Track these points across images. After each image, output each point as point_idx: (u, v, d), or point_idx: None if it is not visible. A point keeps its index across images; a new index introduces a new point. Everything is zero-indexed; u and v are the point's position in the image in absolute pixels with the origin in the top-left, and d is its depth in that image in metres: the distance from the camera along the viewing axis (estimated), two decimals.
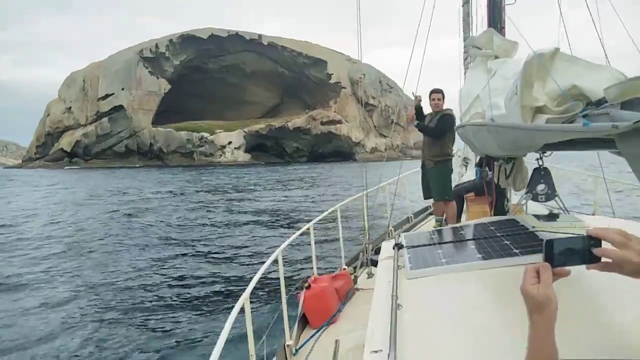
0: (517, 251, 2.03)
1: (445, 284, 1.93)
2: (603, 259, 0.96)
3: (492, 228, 2.53)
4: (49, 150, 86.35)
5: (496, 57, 3.50)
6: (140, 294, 8.70)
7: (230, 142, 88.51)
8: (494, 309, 1.67)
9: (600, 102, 1.71)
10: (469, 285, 1.90)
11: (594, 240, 0.97)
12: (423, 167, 5.97)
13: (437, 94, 5.73)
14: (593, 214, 5.65)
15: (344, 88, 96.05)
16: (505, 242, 2.21)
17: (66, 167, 79.08)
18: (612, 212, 4.50)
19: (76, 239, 14.62)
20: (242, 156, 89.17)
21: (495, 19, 4.09)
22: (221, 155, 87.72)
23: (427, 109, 5.93)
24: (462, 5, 4.78)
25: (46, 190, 34.44)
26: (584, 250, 0.97)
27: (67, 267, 10.96)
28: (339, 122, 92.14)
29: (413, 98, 5.76)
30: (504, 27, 4.08)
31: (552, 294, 0.93)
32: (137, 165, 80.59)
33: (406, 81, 5.16)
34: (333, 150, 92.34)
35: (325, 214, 5.31)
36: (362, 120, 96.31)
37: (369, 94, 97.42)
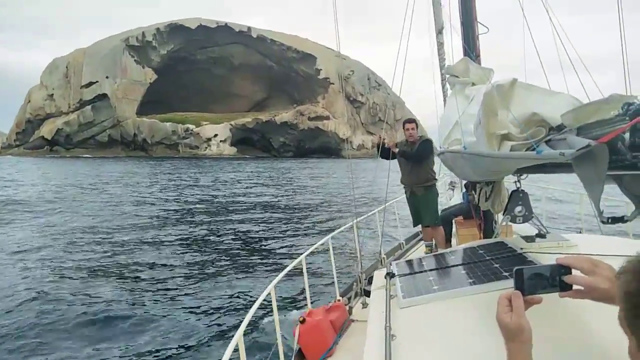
0: (506, 274, 2.04)
1: (438, 312, 1.93)
2: (574, 287, 1.00)
3: (481, 252, 2.56)
4: (30, 137, 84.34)
5: (473, 84, 3.59)
6: (125, 335, 7.90)
7: (216, 135, 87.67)
8: (487, 334, 1.60)
9: (560, 128, 1.77)
10: (461, 311, 1.90)
11: (564, 269, 1.01)
12: (411, 194, 5.84)
13: (410, 123, 5.70)
14: (580, 232, 5.64)
15: (333, 84, 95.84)
16: (495, 265, 2.23)
17: (47, 156, 77.29)
18: (600, 229, 4.51)
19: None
20: (228, 149, 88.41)
21: (470, 48, 4.18)
22: (207, 147, 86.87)
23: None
24: (437, 36, 4.81)
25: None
26: (554, 278, 1.01)
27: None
28: (327, 118, 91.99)
29: (379, 142, 5.65)
30: (479, 55, 4.16)
31: (524, 322, 0.96)
32: (121, 156, 79.27)
33: (394, 83, 4.92)
34: (320, 146, 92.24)
35: (316, 245, 5.28)
36: (349, 117, 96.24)
37: (357, 91, 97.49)
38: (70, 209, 19.14)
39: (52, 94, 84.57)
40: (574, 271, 1.00)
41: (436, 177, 5.88)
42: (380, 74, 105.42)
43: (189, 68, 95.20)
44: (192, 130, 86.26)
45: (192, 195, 26.35)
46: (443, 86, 4.76)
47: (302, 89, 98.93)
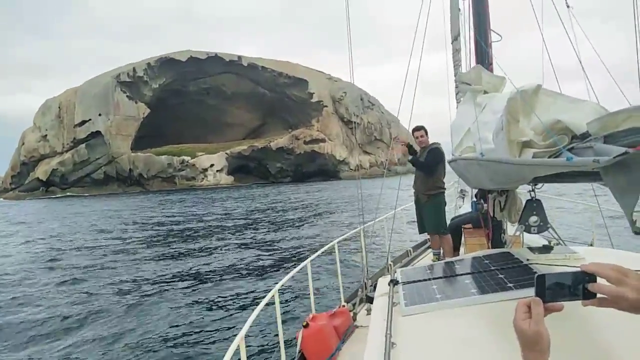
0: (511, 285, 2.02)
1: (439, 321, 1.91)
2: (599, 295, 0.95)
3: (487, 262, 2.52)
4: (25, 180, 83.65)
5: (485, 92, 3.54)
6: (131, 335, 8.38)
7: (212, 165, 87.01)
8: (488, 345, 1.64)
9: (584, 136, 1.75)
10: (463, 321, 1.87)
11: (588, 276, 0.96)
12: (417, 201, 5.97)
13: (419, 131, 5.77)
14: (591, 245, 5.57)
15: (326, 107, 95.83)
16: (500, 276, 2.19)
17: (41, 197, 76.42)
18: (610, 242, 4.47)
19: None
20: (225, 179, 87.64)
21: (483, 56, 4.16)
22: (203, 178, 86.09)
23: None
24: (452, 42, 4.74)
25: None
26: (576, 286, 0.96)
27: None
28: (322, 140, 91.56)
29: (396, 144, 5.98)
30: (491, 64, 4.13)
31: (543, 329, 0.93)
32: (117, 192, 78.46)
33: (401, 107, 5.07)
34: (317, 169, 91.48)
35: (322, 250, 5.25)
36: (345, 138, 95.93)
37: (351, 112, 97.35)
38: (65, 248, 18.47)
39: (46, 135, 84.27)
40: (599, 280, 0.95)
41: (444, 187, 5.90)
42: (372, 93, 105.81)
43: (181, 100, 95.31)
44: (187, 161, 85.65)
45: (189, 217, 25.94)
46: (457, 93, 4.71)
47: (296, 113, 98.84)
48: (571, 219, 13.00)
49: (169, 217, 31.05)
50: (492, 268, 2.35)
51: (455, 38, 4.66)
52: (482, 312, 1.88)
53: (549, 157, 1.86)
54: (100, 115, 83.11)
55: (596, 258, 2.24)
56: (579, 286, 0.95)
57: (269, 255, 15.33)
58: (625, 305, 0.91)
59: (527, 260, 2.35)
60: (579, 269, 0.96)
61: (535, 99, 2.07)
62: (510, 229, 3.90)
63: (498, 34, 4.27)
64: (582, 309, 0.99)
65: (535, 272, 2.02)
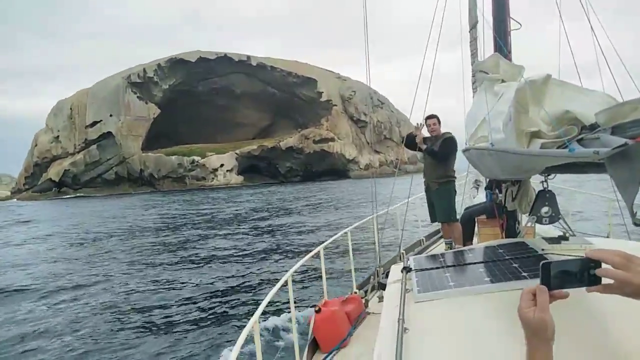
0: (525, 274, 2.02)
1: (452, 308, 1.92)
2: (604, 281, 0.95)
3: (501, 251, 2.53)
4: (38, 180, 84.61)
5: (503, 81, 3.51)
6: (147, 316, 8.78)
7: (222, 165, 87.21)
8: (501, 333, 1.64)
9: (593, 127, 1.74)
10: (476, 309, 1.88)
11: (594, 263, 0.96)
12: (428, 190, 6.01)
13: (432, 119, 5.82)
14: (607, 236, 5.56)
15: (335, 106, 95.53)
16: (514, 265, 2.19)
17: (53, 198, 77.24)
18: (627, 234, 4.45)
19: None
20: (235, 178, 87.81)
21: (501, 44, 4.09)
22: (213, 178, 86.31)
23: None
24: (470, 31, 4.64)
25: None
26: (582, 273, 0.97)
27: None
28: (332, 139, 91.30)
29: (416, 126, 5.92)
30: (510, 52, 4.07)
31: (548, 317, 0.93)
32: (128, 193, 78.99)
33: (414, 105, 5.14)
34: (327, 169, 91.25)
35: (335, 236, 5.33)
36: (354, 137, 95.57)
37: (360, 111, 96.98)
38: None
39: (58, 136, 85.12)
40: (604, 266, 0.95)
41: (454, 176, 5.94)
42: (382, 92, 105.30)
43: (191, 100, 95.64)
44: (197, 162, 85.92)
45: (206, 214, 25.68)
46: (473, 82, 4.63)
47: (306, 112, 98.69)
48: (589, 209, 12.86)
49: (183, 212, 31.23)
50: (506, 257, 2.35)
51: (474, 26, 4.51)
52: (496, 300, 1.88)
53: (558, 147, 1.84)
54: (111, 115, 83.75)
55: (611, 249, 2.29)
56: (584, 273, 0.95)
57: (284, 243, 15.88)
58: (629, 290, 0.92)
59: (542, 250, 2.35)
60: (584, 256, 0.97)
61: (545, 89, 2.03)
62: (525, 219, 3.91)
63: (518, 22, 4.13)
64: (588, 296, 1.00)
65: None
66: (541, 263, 0.98)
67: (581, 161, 1.72)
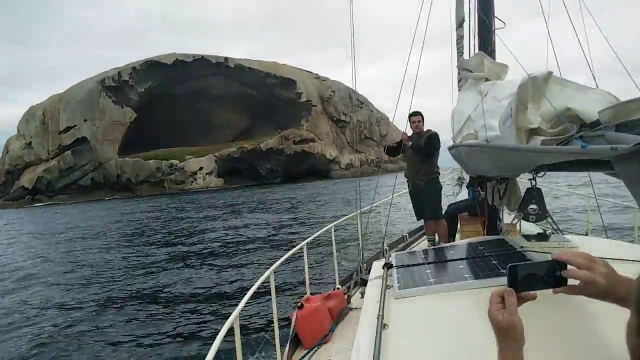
0: (504, 271, 1.96)
1: (432, 304, 1.94)
2: (569, 282, 0.99)
3: (481, 248, 2.56)
4: (10, 188, 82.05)
5: (486, 80, 3.55)
6: (127, 314, 8.71)
7: (201, 168, 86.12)
8: (480, 329, 1.60)
9: (594, 124, 1.74)
10: (455, 304, 1.90)
11: (559, 265, 0.99)
12: (413, 186, 5.97)
13: (416, 116, 5.84)
14: (586, 234, 5.64)
15: (315, 106, 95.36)
16: (494, 262, 2.22)
17: (26, 206, 74.96)
18: (604, 232, 4.58)
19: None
20: (215, 181, 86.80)
21: (486, 42, 4.13)
22: (193, 181, 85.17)
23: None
24: (456, 29, 4.67)
25: None
26: (549, 275, 0.99)
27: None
28: (312, 140, 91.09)
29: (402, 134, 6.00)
30: (494, 51, 4.11)
31: (516, 319, 0.95)
32: (105, 198, 77.26)
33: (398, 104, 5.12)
34: (308, 169, 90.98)
35: (319, 233, 5.36)
36: (335, 137, 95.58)
37: (340, 111, 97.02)
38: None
39: (30, 142, 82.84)
40: (569, 267, 0.99)
41: (439, 172, 5.98)
42: (362, 92, 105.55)
43: (169, 103, 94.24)
44: (176, 165, 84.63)
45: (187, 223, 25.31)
46: (459, 81, 4.64)
47: (285, 113, 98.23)
48: (571, 207, 13.00)
49: (162, 215, 30.59)
50: (486, 254, 2.38)
51: (460, 24, 4.55)
52: (475, 296, 1.89)
53: (557, 144, 1.85)
54: (85, 120, 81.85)
55: (589, 247, 2.30)
56: (551, 275, 0.98)
57: (266, 241, 15.76)
58: (592, 291, 0.95)
59: (521, 247, 2.39)
60: (550, 259, 1.00)
61: (546, 86, 2.04)
62: (507, 217, 3.99)
63: (502, 21, 4.17)
64: (554, 297, 1.03)
65: (529, 259, 2.12)
66: (508, 266, 0.99)
67: (585, 159, 1.68)
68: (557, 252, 2.35)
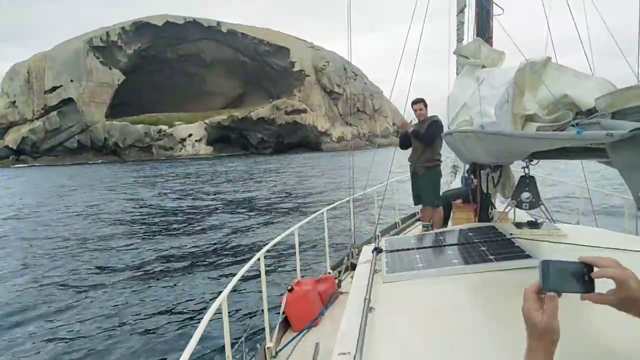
0: (492, 257, 2.09)
1: (419, 288, 1.96)
2: (597, 291, 0.95)
3: (471, 234, 2.58)
4: None
5: (483, 66, 3.54)
6: (113, 295, 8.41)
7: (190, 135, 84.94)
8: (464, 313, 1.68)
9: (590, 112, 1.75)
10: (442, 289, 1.92)
11: (587, 267, 0.95)
12: (414, 173, 6.00)
13: (418, 104, 5.79)
14: (577, 223, 5.82)
15: (308, 76, 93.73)
16: (482, 248, 2.25)
17: (11, 166, 73.56)
18: (595, 221, 4.61)
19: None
20: (204, 149, 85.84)
21: (483, 29, 4.12)
22: (181, 148, 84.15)
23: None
24: (457, 15, 4.65)
25: None
26: (579, 276, 0.95)
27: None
28: (304, 111, 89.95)
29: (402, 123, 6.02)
30: (491, 37, 4.11)
31: (556, 324, 0.91)
32: (90, 162, 76.08)
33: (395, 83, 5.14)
34: (299, 141, 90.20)
35: (311, 217, 5.39)
36: (327, 109, 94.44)
37: (333, 82, 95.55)
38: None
39: (15, 101, 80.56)
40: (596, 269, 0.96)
41: (440, 159, 5.96)
42: (356, 63, 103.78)
43: (158, 67, 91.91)
44: (165, 131, 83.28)
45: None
46: (457, 67, 4.58)
47: (278, 82, 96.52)
48: (565, 195, 12.87)
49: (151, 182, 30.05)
50: (476, 241, 2.41)
51: (461, 10, 4.55)
52: (462, 281, 1.92)
53: (553, 131, 1.84)
54: (72, 81, 79.57)
55: (578, 236, 2.37)
56: (579, 278, 0.94)
57: (257, 221, 15.38)
58: (624, 294, 0.90)
59: (511, 234, 2.43)
60: (578, 261, 0.96)
61: (544, 71, 2.02)
62: (499, 205, 3.99)
63: (500, 7, 4.13)
64: (575, 304, 0.99)
65: (518, 246, 2.17)
66: (540, 261, 0.95)
67: (582, 145, 1.69)
68: (546, 239, 2.27)
